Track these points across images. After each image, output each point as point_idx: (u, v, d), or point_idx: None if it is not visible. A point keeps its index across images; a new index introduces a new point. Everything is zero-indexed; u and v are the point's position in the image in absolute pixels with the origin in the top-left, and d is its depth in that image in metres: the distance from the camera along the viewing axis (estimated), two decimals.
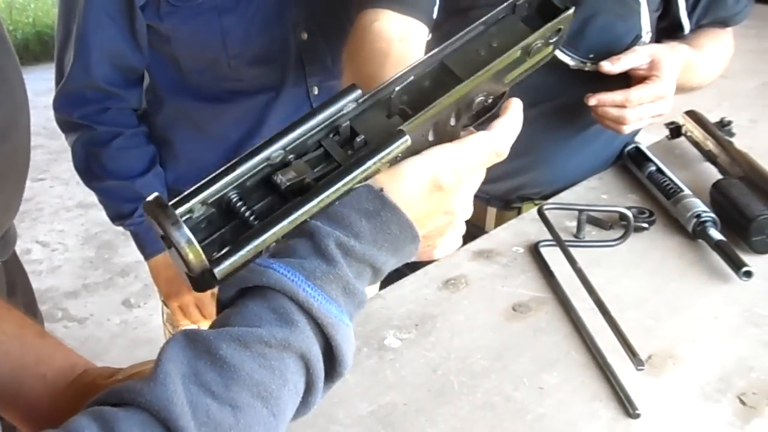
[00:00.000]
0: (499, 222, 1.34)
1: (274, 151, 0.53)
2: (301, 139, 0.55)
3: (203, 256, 0.50)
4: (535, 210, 1.17)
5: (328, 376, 0.51)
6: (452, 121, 0.60)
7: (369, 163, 0.54)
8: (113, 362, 0.76)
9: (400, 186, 0.55)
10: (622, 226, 1.13)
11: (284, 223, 0.52)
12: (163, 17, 1.22)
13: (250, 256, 0.51)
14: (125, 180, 1.30)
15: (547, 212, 1.13)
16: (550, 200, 1.23)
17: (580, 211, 1.12)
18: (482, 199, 1.33)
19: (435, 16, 1.09)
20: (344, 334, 0.51)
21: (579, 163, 1.31)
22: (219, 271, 0.50)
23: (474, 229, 1.38)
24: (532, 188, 1.31)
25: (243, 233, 0.52)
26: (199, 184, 0.52)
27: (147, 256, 1.39)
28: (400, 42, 0.99)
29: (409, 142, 0.56)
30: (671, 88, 1.13)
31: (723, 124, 1.38)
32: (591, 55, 1.17)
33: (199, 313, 1.42)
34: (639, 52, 1.14)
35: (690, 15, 1.28)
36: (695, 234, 1.10)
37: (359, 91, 0.57)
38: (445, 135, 0.59)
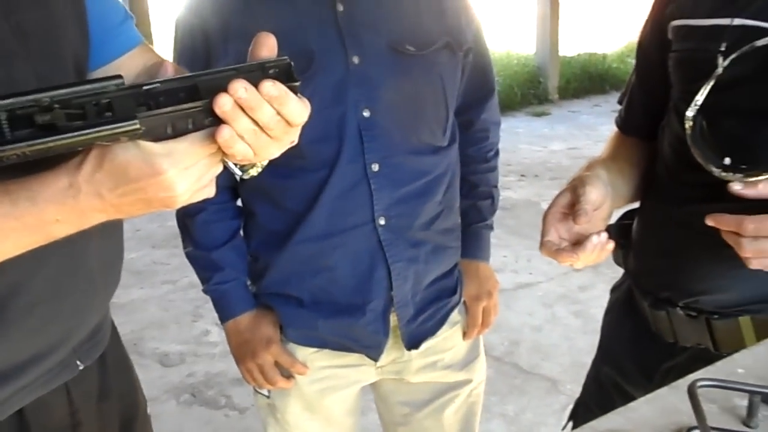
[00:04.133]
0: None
1: (43, 97, 0.67)
2: (66, 97, 0.68)
3: None
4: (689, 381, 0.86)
5: None
6: (189, 125, 0.73)
7: (98, 129, 0.68)
8: None
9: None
10: None
11: (27, 143, 0.67)
12: None
13: None
14: (204, 250, 1.46)
15: (701, 390, 0.82)
16: (703, 373, 0.90)
17: (752, 392, 0.80)
18: (639, 291, 1.26)
19: None
20: None
21: (734, 283, 1.09)
22: None
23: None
24: (677, 291, 1.17)
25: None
26: None
27: (222, 320, 1.49)
28: None
29: (138, 127, 0.69)
30: None
31: None
32: (743, 166, 0.94)
33: (262, 378, 1.48)
34: None
35: None
36: None
37: (122, 80, 0.70)
38: (184, 133, 0.74)
